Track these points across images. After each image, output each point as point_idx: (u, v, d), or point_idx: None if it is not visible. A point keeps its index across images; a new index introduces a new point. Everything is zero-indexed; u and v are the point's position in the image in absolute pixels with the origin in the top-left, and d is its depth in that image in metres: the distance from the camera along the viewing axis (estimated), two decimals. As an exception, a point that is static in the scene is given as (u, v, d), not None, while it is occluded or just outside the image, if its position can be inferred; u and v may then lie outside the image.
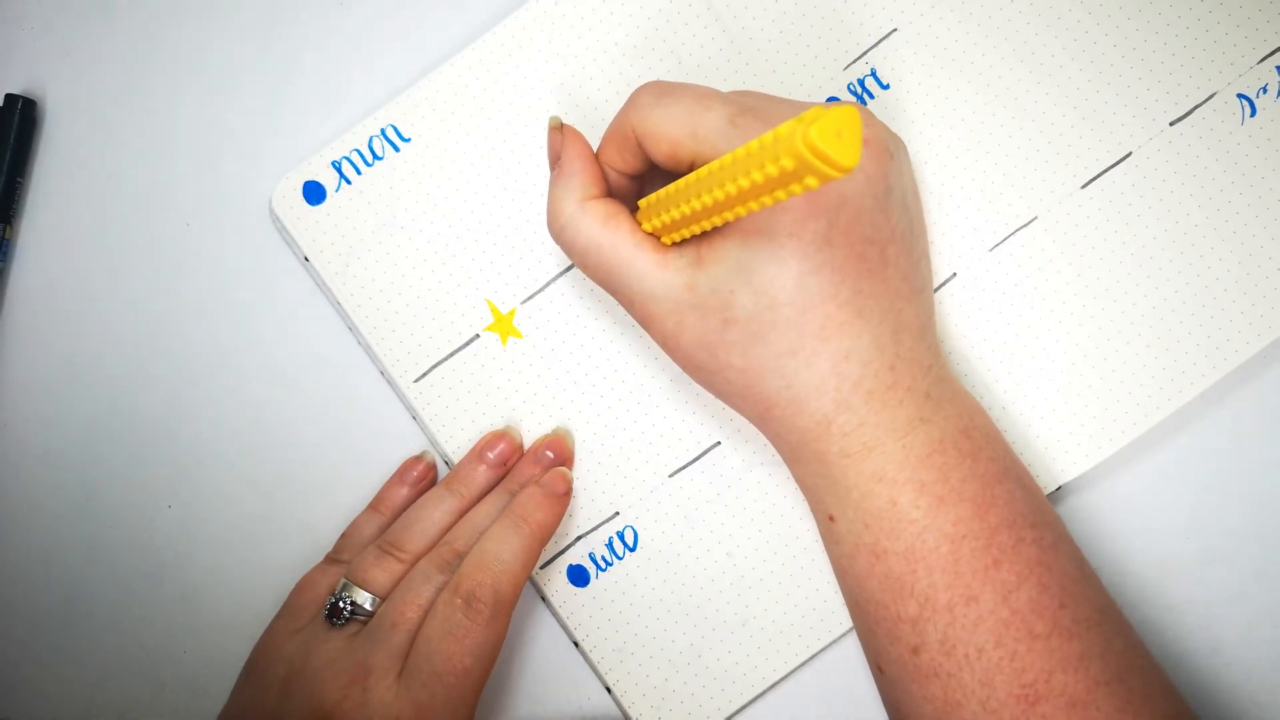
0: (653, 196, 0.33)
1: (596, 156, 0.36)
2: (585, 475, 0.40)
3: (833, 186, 0.31)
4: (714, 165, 0.29)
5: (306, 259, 0.40)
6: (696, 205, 0.30)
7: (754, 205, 0.28)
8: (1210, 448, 0.40)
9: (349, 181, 0.40)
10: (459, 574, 0.36)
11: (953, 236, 0.40)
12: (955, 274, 0.40)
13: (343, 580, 0.37)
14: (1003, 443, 0.36)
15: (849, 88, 0.40)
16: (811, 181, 0.25)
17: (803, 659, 0.40)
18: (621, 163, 0.35)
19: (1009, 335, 0.40)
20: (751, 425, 0.40)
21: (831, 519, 0.35)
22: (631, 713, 0.39)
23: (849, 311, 0.32)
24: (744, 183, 0.27)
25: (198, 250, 0.42)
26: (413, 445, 0.41)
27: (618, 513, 0.40)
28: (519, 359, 0.40)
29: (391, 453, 0.41)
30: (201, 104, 0.42)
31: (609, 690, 0.40)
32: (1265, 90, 0.40)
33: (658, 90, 0.33)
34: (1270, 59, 0.40)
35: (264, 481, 0.41)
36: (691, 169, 0.32)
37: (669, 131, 0.32)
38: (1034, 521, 0.34)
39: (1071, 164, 0.40)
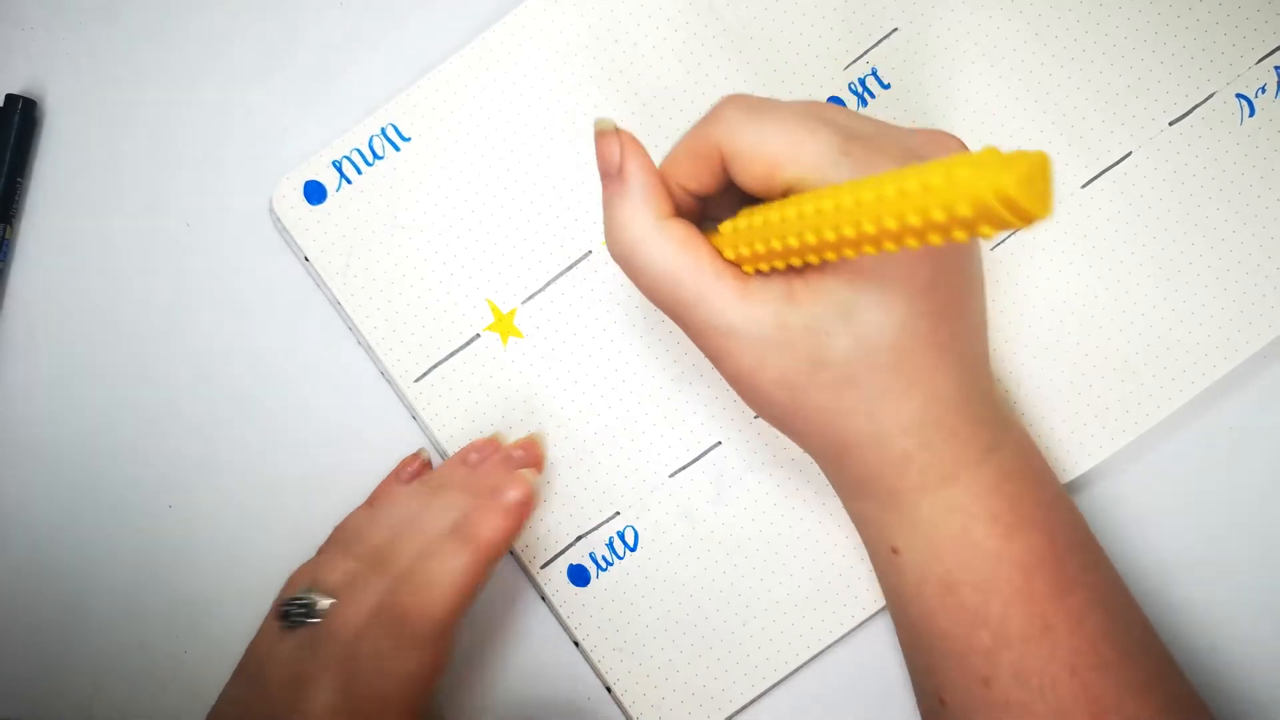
0: (742, 223, 0.30)
1: (660, 171, 0.33)
2: (585, 475, 0.40)
3: None
4: (843, 200, 0.26)
5: (306, 259, 0.40)
6: (810, 240, 0.27)
7: (890, 246, 0.25)
8: (1211, 447, 0.40)
9: (349, 181, 0.40)
10: (394, 594, 0.34)
11: (953, 236, 0.40)
12: (955, 273, 0.40)
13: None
14: (1048, 464, 0.35)
15: (850, 87, 0.40)
16: (986, 230, 0.23)
17: (803, 659, 0.39)
18: (694, 181, 0.32)
19: (1009, 334, 0.40)
20: (753, 425, 0.40)
21: (895, 551, 0.33)
22: (631, 712, 0.39)
23: (942, 354, 0.31)
24: (891, 224, 0.25)
25: (198, 250, 0.42)
26: (413, 445, 0.41)
27: (618, 513, 0.40)
28: (519, 359, 0.40)
29: (391, 452, 0.41)
30: (201, 104, 0.42)
31: (609, 690, 0.40)
32: (1264, 90, 0.40)
33: (748, 106, 0.31)
34: (1268, 59, 0.40)
35: (264, 481, 0.41)
36: (785, 195, 0.30)
37: (767, 154, 0.30)
38: (1089, 545, 0.34)
39: (1072, 163, 0.40)
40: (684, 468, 0.40)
